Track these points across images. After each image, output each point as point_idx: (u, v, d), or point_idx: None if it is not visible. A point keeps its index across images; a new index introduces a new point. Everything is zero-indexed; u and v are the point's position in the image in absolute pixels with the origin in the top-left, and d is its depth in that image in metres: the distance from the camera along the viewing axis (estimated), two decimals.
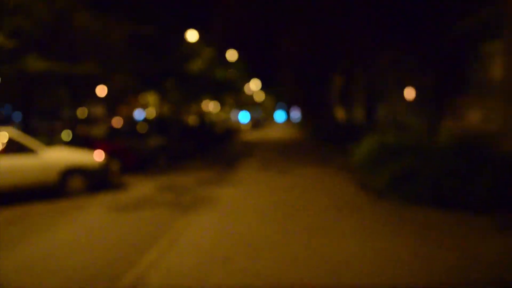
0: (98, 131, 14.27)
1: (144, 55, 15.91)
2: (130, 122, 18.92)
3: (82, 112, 32.55)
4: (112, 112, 30.35)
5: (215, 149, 19.73)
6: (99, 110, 33.21)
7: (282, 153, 16.61)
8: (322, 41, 18.17)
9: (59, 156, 8.81)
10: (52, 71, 10.17)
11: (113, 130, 13.99)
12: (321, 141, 21.13)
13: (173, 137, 15.83)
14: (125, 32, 12.34)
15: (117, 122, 18.54)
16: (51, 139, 12.02)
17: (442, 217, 6.26)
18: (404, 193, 6.94)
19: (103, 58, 11.99)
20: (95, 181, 9.12)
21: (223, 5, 15.79)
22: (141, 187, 9.68)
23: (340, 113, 26.13)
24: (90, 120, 21.52)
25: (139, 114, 33.26)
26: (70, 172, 8.75)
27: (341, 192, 8.30)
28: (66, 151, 9.35)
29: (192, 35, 22.33)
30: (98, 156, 9.42)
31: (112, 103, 31.17)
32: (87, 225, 6.59)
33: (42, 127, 21.71)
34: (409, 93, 15.05)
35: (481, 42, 11.77)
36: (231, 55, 27.29)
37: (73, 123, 16.27)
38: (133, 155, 12.37)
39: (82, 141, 11.99)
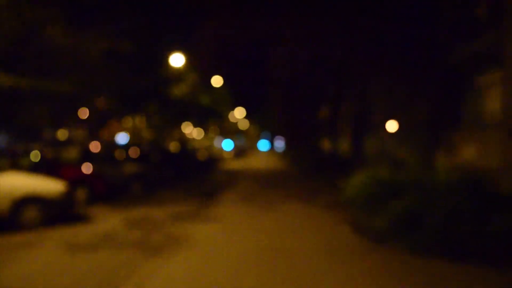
0: (69, 154, 13.08)
1: (123, 75, 14.97)
2: (110, 146, 17.75)
3: (62, 134, 31.19)
4: (94, 135, 29.09)
5: (196, 178, 18.58)
6: (80, 133, 31.89)
7: (266, 185, 15.51)
8: (308, 65, 17.53)
9: (12, 183, 7.64)
10: (18, 88, 9.09)
11: (85, 154, 12.81)
12: (306, 173, 20.20)
13: (151, 164, 14.71)
14: (100, 48, 11.36)
15: (95, 145, 17.37)
16: (14, 162, 10.79)
17: (450, 269, 5.29)
18: (406, 239, 5.97)
19: (77, 76, 10.99)
20: (54, 212, 7.92)
21: (208, 27, 15.07)
22: (108, 221, 8.49)
23: (325, 144, 25.40)
24: (70, 143, 20.28)
25: (122, 138, 32.01)
26: (25, 201, 7.56)
27: (332, 234, 7.24)
28: (21, 177, 8.15)
29: (177, 59, 21.50)
30: (59, 183, 8.26)
31: (94, 126, 29.97)
32: (34, 268, 5.41)
33: (13, 148, 20.29)
34: (392, 126, 14.40)
35: (475, 74, 11.21)
36: (216, 81, 26.52)
37: (44, 146, 15.06)
38: (104, 183, 11.18)
39: (48, 165, 10.81)
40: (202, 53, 23.67)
